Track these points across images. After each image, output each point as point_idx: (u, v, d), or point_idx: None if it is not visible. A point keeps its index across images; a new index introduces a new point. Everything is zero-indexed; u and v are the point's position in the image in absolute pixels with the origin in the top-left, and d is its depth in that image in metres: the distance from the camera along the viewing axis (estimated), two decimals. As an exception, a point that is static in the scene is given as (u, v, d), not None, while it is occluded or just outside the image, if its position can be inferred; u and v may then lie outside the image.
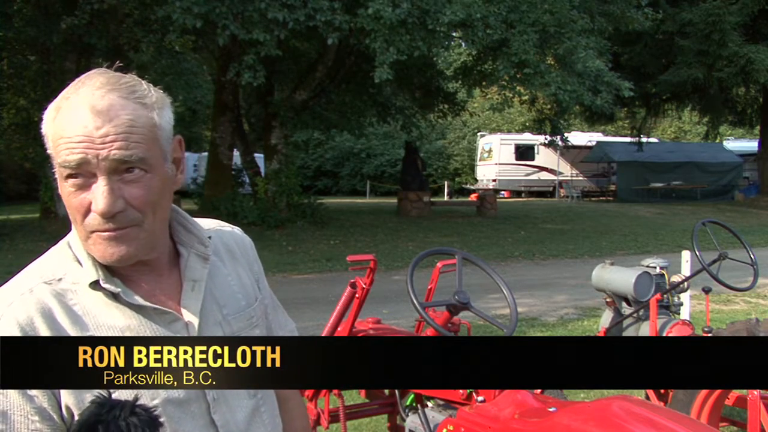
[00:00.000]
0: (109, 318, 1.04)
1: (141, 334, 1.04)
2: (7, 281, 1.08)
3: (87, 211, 1.01)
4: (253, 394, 1.17)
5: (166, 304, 1.09)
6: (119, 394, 0.97)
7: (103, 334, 1.02)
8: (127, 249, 1.03)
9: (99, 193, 0.99)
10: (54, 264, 1.07)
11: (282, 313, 1.37)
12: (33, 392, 0.98)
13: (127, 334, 1.03)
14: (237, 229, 1.30)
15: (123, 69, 1.09)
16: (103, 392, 0.93)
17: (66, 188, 1.01)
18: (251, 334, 1.18)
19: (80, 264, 1.06)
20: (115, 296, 1.04)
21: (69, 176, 1.00)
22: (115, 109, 1.00)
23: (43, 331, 0.99)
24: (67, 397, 0.99)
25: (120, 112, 1.00)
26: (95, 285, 1.04)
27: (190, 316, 1.09)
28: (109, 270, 1.05)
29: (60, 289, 1.04)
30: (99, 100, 1.00)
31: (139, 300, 1.05)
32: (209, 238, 1.18)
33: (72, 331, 1.01)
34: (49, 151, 1.03)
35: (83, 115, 0.99)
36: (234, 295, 1.18)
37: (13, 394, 0.97)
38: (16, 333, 0.98)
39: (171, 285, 1.12)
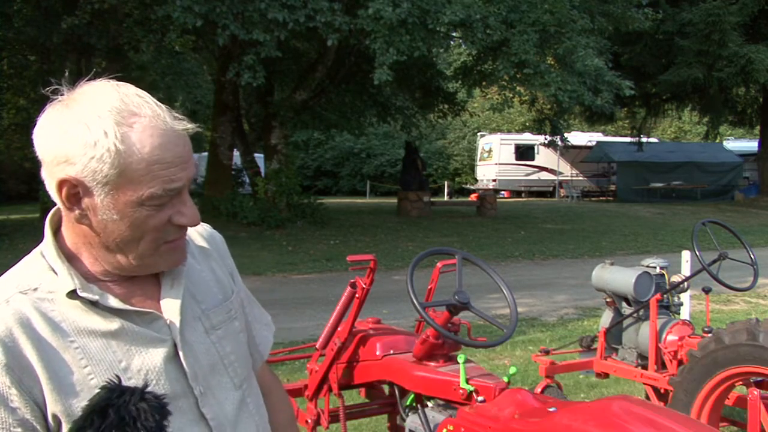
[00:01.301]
0: (89, 323, 1.03)
1: (122, 336, 1.04)
2: None
3: (164, 228, 1.05)
4: (239, 386, 1.17)
5: (146, 304, 1.08)
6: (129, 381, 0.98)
7: (84, 339, 1.02)
8: (185, 251, 1.13)
9: (188, 207, 1.06)
10: (28, 274, 1.06)
11: (257, 306, 1.37)
12: (15, 404, 0.97)
13: (109, 338, 1.03)
14: (206, 226, 1.29)
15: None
16: (114, 378, 0.94)
17: (144, 212, 1.02)
18: (231, 326, 1.19)
19: (55, 273, 1.04)
20: (93, 303, 1.03)
21: (161, 201, 1.02)
22: (180, 128, 1.05)
23: (23, 341, 0.98)
24: (54, 405, 0.98)
25: (183, 130, 1.06)
26: (72, 294, 1.02)
27: (170, 314, 1.09)
28: (85, 278, 1.05)
29: (36, 298, 1.02)
30: (171, 120, 1.03)
31: (117, 304, 1.04)
32: None
33: (52, 339, 1.00)
34: (97, 179, 0.98)
35: (171, 138, 1.02)
36: (210, 290, 1.19)
37: None
38: None
39: (149, 285, 1.11)
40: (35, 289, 1.03)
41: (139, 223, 1.02)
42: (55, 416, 0.99)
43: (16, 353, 0.98)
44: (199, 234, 1.26)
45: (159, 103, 1.05)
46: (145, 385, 0.95)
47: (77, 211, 1.02)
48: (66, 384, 0.99)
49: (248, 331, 1.29)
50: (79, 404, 0.97)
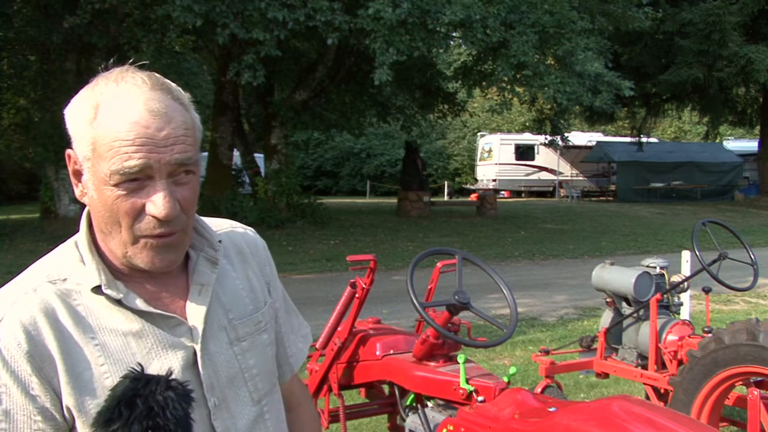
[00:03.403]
0: (111, 321, 1.02)
1: (143, 338, 1.03)
2: (7, 281, 1.06)
3: (137, 215, 0.99)
4: (258, 401, 1.14)
5: (171, 308, 1.07)
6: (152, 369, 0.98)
7: (105, 337, 1.01)
8: (176, 255, 1.05)
9: (159, 197, 0.98)
10: (60, 264, 1.06)
11: (296, 317, 1.34)
12: (36, 392, 0.97)
13: (130, 338, 1.02)
14: (250, 230, 1.27)
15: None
16: (137, 367, 0.92)
17: (112, 192, 0.98)
18: (258, 339, 1.16)
19: (85, 265, 1.04)
20: (118, 301, 1.03)
21: (123, 181, 0.97)
22: (170, 110, 1.00)
23: (46, 331, 0.98)
24: (67, 398, 0.98)
25: (174, 114, 1.00)
26: (97, 290, 1.02)
27: (194, 321, 1.07)
28: (113, 272, 1.04)
29: (64, 288, 1.02)
30: (154, 100, 0.99)
31: (142, 305, 1.03)
32: (219, 242, 1.16)
33: (75, 332, 1.00)
34: (83, 153, 1.00)
35: (141, 116, 0.97)
36: (242, 299, 1.16)
37: (16, 394, 0.97)
38: (19, 332, 0.97)
39: (177, 287, 1.10)
40: (65, 280, 1.03)
41: (110, 203, 0.99)
42: (68, 408, 0.99)
43: (39, 342, 0.98)
44: (241, 238, 1.23)
45: (160, 83, 1.02)
46: (170, 373, 0.93)
47: (80, 188, 1.04)
48: (81, 380, 0.99)
49: (280, 343, 1.26)
50: (92, 402, 0.97)
